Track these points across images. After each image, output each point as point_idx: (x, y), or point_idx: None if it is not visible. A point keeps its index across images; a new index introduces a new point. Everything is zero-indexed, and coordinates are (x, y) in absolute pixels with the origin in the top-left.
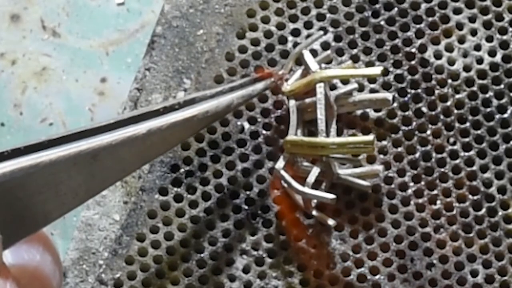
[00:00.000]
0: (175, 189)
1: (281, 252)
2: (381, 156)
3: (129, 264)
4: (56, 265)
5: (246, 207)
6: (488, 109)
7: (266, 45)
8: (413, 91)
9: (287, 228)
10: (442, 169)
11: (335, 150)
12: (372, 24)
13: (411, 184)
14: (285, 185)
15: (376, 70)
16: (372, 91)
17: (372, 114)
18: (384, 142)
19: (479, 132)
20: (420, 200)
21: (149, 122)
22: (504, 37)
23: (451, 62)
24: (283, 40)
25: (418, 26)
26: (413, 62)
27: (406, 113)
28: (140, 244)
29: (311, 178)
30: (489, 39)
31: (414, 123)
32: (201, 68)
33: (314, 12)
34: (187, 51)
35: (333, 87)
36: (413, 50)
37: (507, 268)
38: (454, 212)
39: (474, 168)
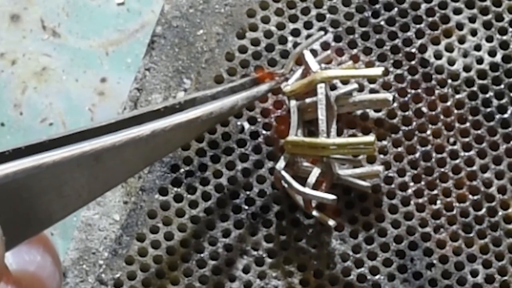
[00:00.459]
0: (175, 189)
1: (281, 252)
2: (381, 156)
3: (129, 264)
4: (56, 266)
5: (246, 207)
6: (488, 109)
7: (266, 45)
8: (413, 91)
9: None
10: (442, 169)
11: (335, 151)
12: (372, 24)
13: (411, 184)
14: (286, 185)
15: (377, 70)
16: (372, 91)
17: (372, 114)
18: (384, 142)
19: (479, 132)
20: (420, 200)
21: (152, 123)
22: (504, 37)
23: (451, 62)
24: (283, 40)
25: (418, 26)
26: (413, 62)
27: (406, 113)
28: (140, 244)
29: (311, 179)
30: (489, 39)
31: (414, 123)
32: (201, 68)
33: (314, 12)
34: (187, 51)
35: (333, 87)
36: (413, 50)
37: (507, 268)
38: (454, 212)
39: (474, 168)
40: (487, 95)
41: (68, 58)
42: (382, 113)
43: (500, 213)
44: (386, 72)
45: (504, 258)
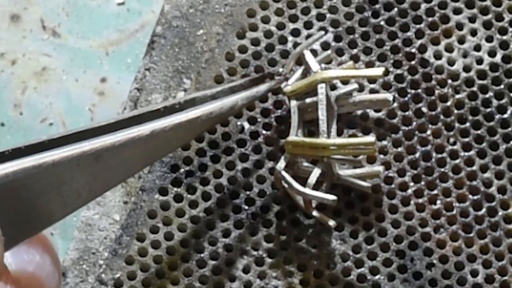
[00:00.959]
0: (175, 189)
1: (281, 252)
2: (381, 156)
3: (129, 264)
4: (55, 266)
5: (246, 207)
6: (488, 109)
7: (266, 45)
8: (413, 91)
9: None
10: (442, 169)
11: (336, 151)
12: (372, 24)
13: (411, 184)
14: (286, 185)
15: (378, 71)
16: (372, 91)
17: (372, 114)
18: (384, 142)
19: (479, 132)
20: (420, 200)
21: (152, 123)
22: (504, 37)
23: (451, 62)
24: (283, 40)
25: (418, 26)
26: (413, 62)
27: (406, 113)
28: (140, 244)
29: (312, 179)
30: (489, 39)
31: (414, 123)
32: (201, 68)
33: (314, 12)
34: (187, 51)
35: (333, 87)
36: (413, 50)
37: (507, 268)
38: (454, 212)
39: (474, 168)
40: (487, 95)
41: (68, 58)
42: (382, 113)
43: (500, 213)
44: (386, 72)
45: (504, 258)
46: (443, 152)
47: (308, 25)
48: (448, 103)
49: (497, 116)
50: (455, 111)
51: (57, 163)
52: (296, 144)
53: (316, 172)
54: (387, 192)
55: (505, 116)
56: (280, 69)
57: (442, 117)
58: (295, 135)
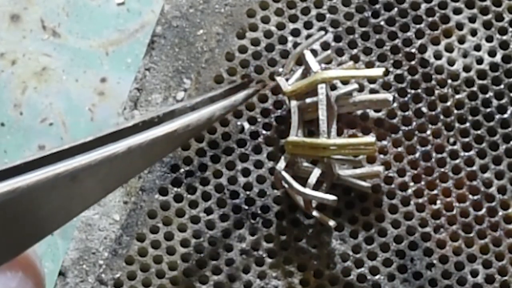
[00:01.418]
0: (175, 189)
1: (281, 252)
2: (381, 156)
3: (129, 264)
4: None
5: (246, 207)
6: (488, 109)
7: (266, 45)
8: (413, 91)
9: None
10: (442, 169)
11: (336, 151)
12: (372, 24)
13: (411, 184)
14: (286, 185)
15: (378, 71)
16: (372, 91)
17: (372, 114)
18: (384, 142)
19: (479, 132)
20: (420, 200)
21: (129, 139)
22: (504, 37)
23: (451, 62)
24: (283, 40)
25: (418, 26)
26: (413, 62)
27: (406, 113)
28: (140, 244)
29: (312, 180)
30: (489, 39)
31: (414, 123)
32: (201, 68)
33: (314, 12)
34: (187, 51)
35: (333, 88)
36: (413, 50)
37: (507, 268)
38: (454, 212)
39: (474, 168)
40: (487, 95)
41: (68, 58)
42: (382, 113)
43: (500, 213)
44: (386, 73)
45: (504, 258)
46: (443, 152)
47: (308, 25)
48: (448, 103)
49: (497, 116)
50: (455, 111)
51: (32, 188)
52: (296, 144)
53: (316, 172)
54: (387, 192)
55: (505, 116)
56: (280, 69)
57: (442, 117)
58: (295, 135)
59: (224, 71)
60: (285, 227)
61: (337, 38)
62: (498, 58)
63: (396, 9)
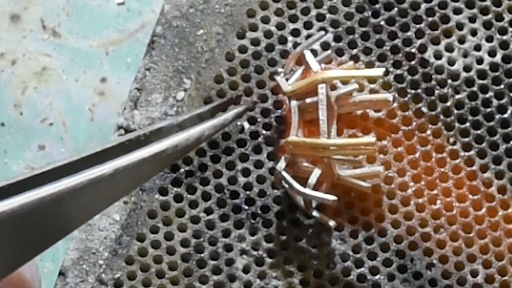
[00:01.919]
0: (175, 189)
1: (281, 252)
2: (381, 156)
3: (129, 264)
4: None
5: (246, 207)
6: (488, 109)
7: (266, 45)
8: (413, 91)
9: None
10: (442, 169)
11: (336, 151)
12: (372, 24)
13: (411, 184)
14: (286, 186)
15: (378, 71)
16: (372, 91)
17: (372, 114)
18: (384, 142)
19: (479, 132)
20: (420, 200)
21: (116, 161)
22: (504, 37)
23: (451, 62)
24: (283, 40)
25: (418, 26)
26: (413, 62)
27: (406, 113)
28: (140, 244)
29: (312, 180)
30: (489, 39)
31: (414, 123)
32: (201, 68)
33: (314, 12)
34: (187, 51)
35: (333, 88)
36: (413, 50)
37: (507, 268)
38: (454, 212)
39: (474, 168)
40: (487, 95)
41: (68, 58)
42: (382, 113)
43: (500, 213)
44: (386, 73)
45: (504, 258)
46: (443, 152)
47: (308, 25)
48: (448, 103)
49: (497, 116)
50: (455, 111)
51: (15, 213)
52: (296, 144)
53: (316, 173)
54: (387, 192)
55: (505, 116)
56: (280, 69)
57: (442, 117)
58: (295, 135)
59: (224, 71)
60: (285, 227)
61: (337, 38)
62: (498, 58)
63: (396, 9)
